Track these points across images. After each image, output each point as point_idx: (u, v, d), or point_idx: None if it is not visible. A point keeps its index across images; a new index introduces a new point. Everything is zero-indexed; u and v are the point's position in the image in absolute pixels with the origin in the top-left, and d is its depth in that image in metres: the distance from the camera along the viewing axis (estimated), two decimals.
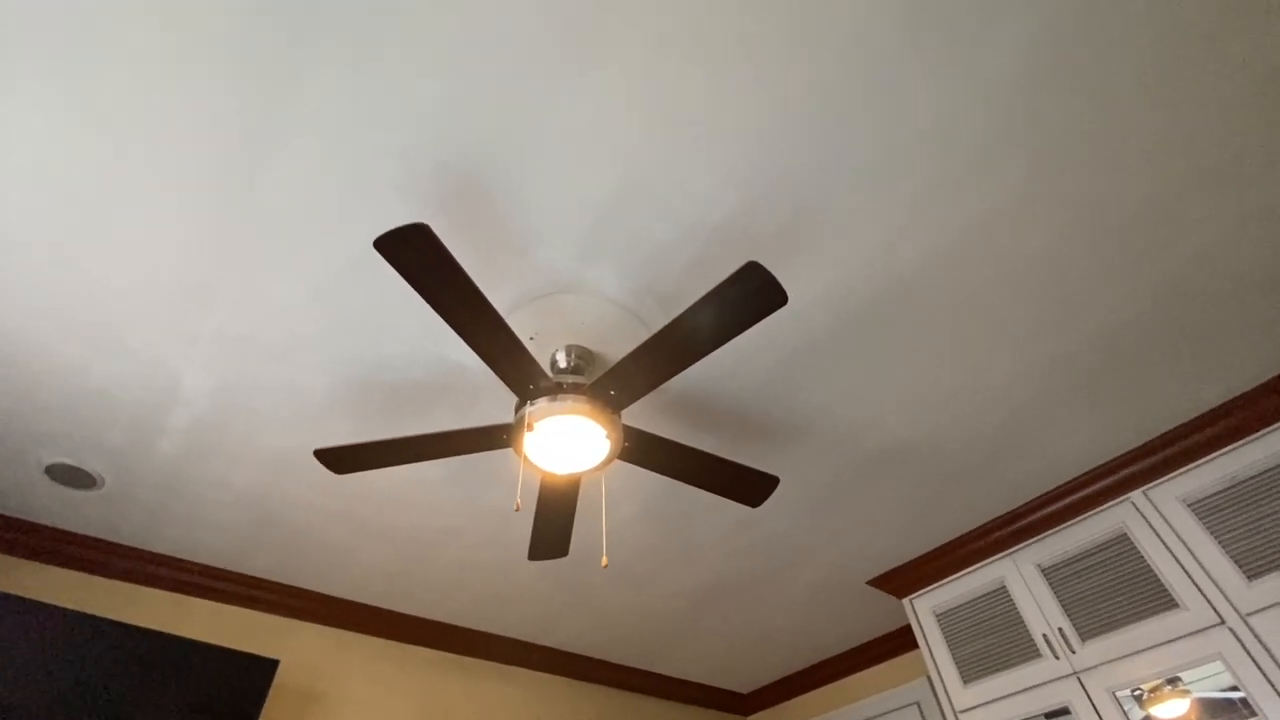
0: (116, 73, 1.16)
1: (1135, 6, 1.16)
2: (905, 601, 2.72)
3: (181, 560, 2.38)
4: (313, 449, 1.93)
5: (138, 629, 2.02)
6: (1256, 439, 2.00)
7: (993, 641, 2.38)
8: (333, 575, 2.51)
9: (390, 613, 2.75)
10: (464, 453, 1.57)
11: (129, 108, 1.20)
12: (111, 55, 1.14)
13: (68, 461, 1.93)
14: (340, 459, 1.57)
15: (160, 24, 1.10)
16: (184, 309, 1.55)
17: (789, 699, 3.58)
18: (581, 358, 1.64)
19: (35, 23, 1.10)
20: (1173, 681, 1.96)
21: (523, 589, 2.67)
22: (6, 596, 1.86)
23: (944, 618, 2.57)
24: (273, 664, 2.21)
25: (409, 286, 1.51)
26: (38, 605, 1.89)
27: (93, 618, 1.96)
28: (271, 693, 2.36)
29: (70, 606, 2.15)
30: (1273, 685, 1.74)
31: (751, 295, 1.26)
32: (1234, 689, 1.83)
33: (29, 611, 1.88)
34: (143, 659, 2.00)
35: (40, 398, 1.74)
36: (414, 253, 1.15)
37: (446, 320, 1.28)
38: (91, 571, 2.26)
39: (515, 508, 1.17)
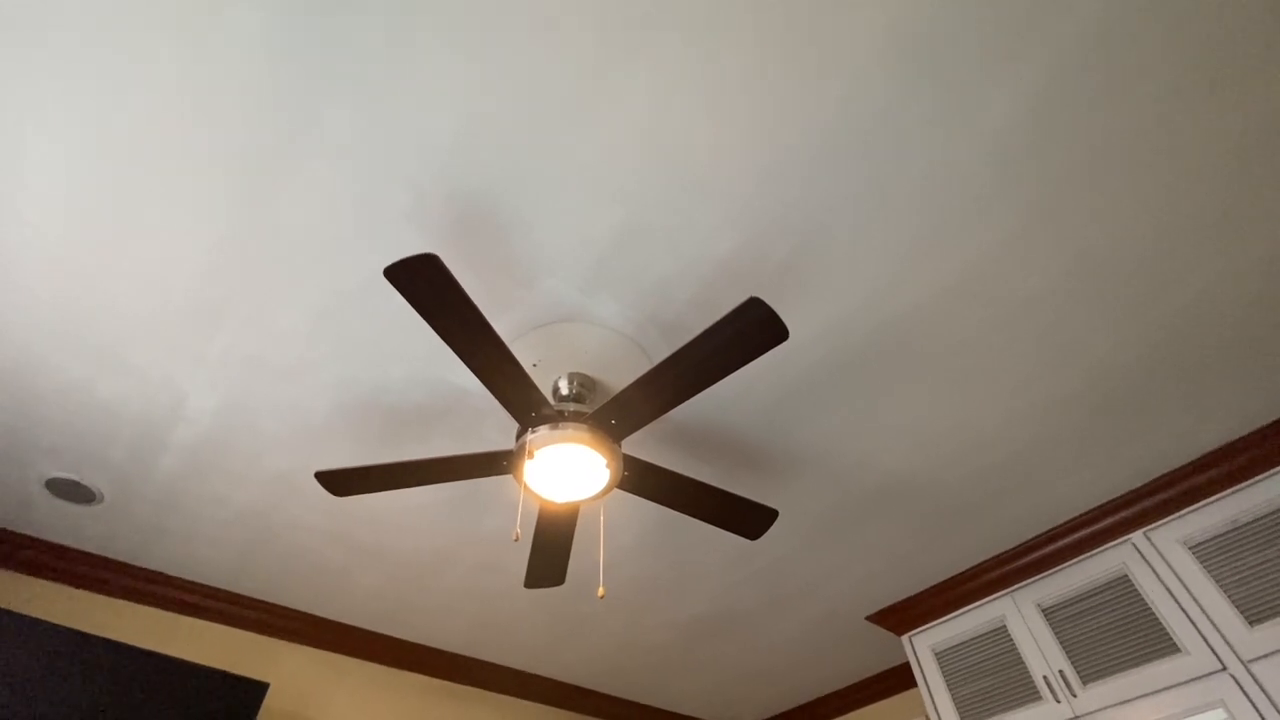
0: (136, 100, 1.20)
1: (1135, 58, 1.19)
2: (904, 639, 2.69)
3: (177, 578, 2.37)
4: (314, 470, 1.94)
5: (127, 647, 2.00)
6: (1259, 482, 1.99)
7: (993, 682, 2.35)
8: (327, 597, 2.49)
9: (383, 637, 2.72)
10: (464, 478, 1.57)
11: (146, 132, 1.24)
12: (133, 83, 1.17)
13: (69, 476, 1.93)
14: (341, 481, 1.58)
15: (181, 54, 1.14)
16: (192, 329, 1.57)
17: None
18: (584, 386, 1.65)
19: (61, 49, 1.13)
20: None
21: (517, 617, 2.65)
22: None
23: (943, 656, 2.53)
24: (262, 687, 2.18)
25: (414, 313, 1.53)
26: (28, 620, 1.88)
27: (83, 635, 1.94)
28: (259, 716, 2.33)
29: (63, 622, 2.13)
30: None
31: (753, 330, 1.27)
32: None
33: (19, 627, 1.86)
34: (132, 678, 1.98)
35: (44, 412, 1.75)
36: (423, 282, 1.17)
37: (452, 348, 1.30)
38: (87, 588, 2.25)
39: (514, 538, 1.17)
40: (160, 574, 2.34)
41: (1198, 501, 2.08)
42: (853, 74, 1.19)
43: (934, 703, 2.48)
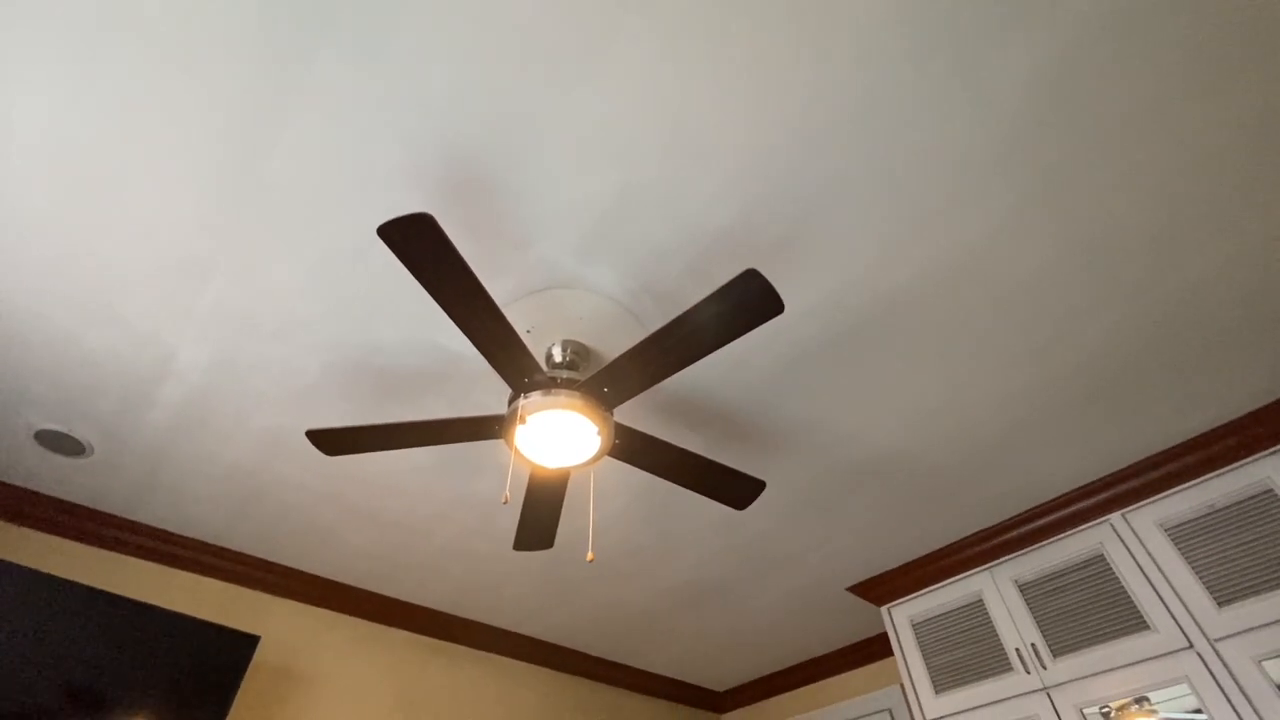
0: (123, 47, 1.16)
1: (1146, 37, 1.17)
2: (883, 610, 2.75)
3: (167, 532, 2.38)
4: (304, 429, 1.94)
5: (119, 598, 2.02)
6: (1237, 468, 2.03)
7: (966, 653, 2.42)
8: (317, 554, 2.52)
9: (373, 594, 2.76)
10: (456, 441, 1.58)
11: (135, 81, 1.20)
12: (120, 30, 1.14)
13: (57, 428, 1.93)
14: (332, 441, 1.58)
15: (171, 4, 1.11)
16: (181, 283, 1.55)
17: (763, 699, 3.62)
18: (577, 353, 1.65)
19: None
20: (1140, 701, 2.00)
21: (506, 578, 2.69)
22: None
23: (920, 627, 2.60)
24: (253, 640, 2.21)
25: (408, 274, 1.52)
26: (20, 570, 1.89)
27: (74, 584, 1.96)
28: (250, 669, 2.37)
29: (56, 573, 2.15)
30: (1235, 710, 1.78)
31: (749, 302, 1.27)
32: (1198, 711, 1.86)
33: (10, 576, 1.88)
34: (123, 628, 2.00)
35: (33, 362, 1.74)
36: (417, 241, 1.16)
37: (445, 310, 1.29)
38: (77, 539, 2.26)
39: (504, 500, 1.19)
40: (152, 527, 2.36)
41: (1177, 485, 2.12)
42: (858, 46, 1.17)
43: (909, 671, 2.56)
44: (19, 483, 2.17)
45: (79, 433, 1.95)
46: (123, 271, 1.52)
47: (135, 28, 1.14)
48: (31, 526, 2.20)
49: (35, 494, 2.20)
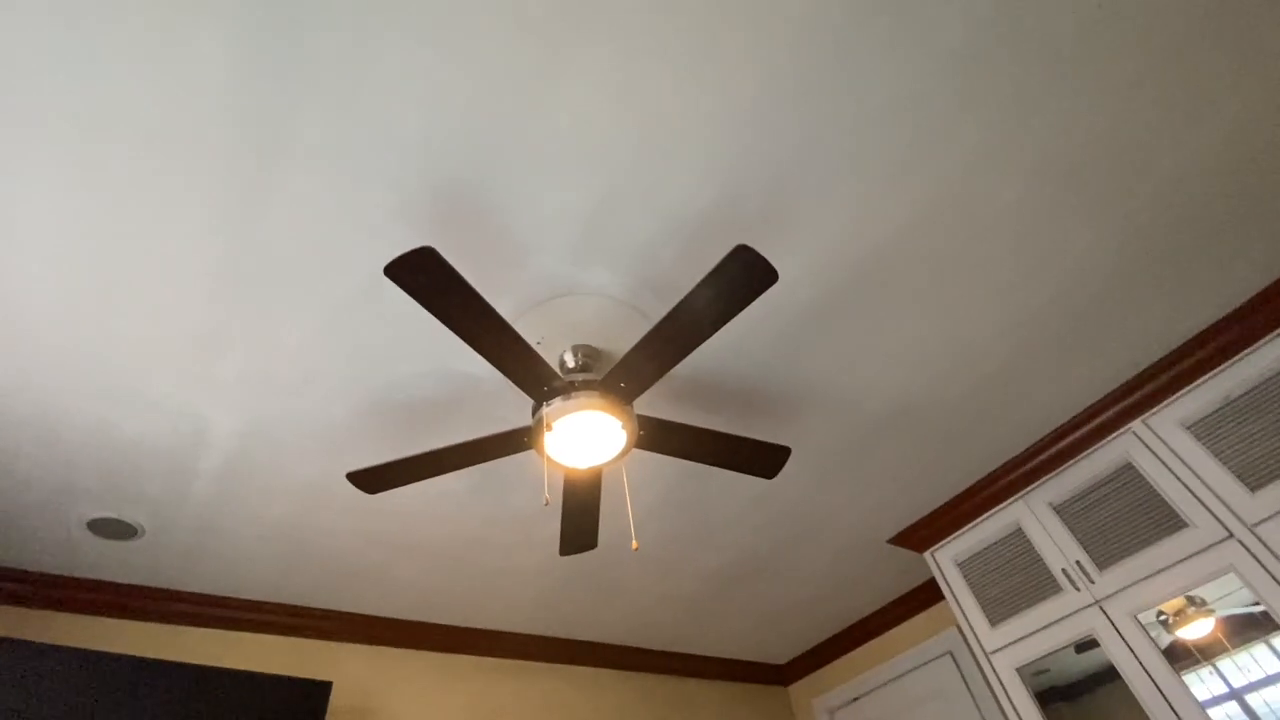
0: (116, 132, 1.22)
1: None
2: (926, 555, 2.79)
3: (224, 597, 2.45)
4: (339, 475, 2.00)
5: (188, 666, 2.09)
6: (1247, 355, 2.06)
7: (1015, 582, 2.46)
8: (372, 595, 2.59)
9: (432, 625, 2.83)
10: (489, 459, 1.64)
11: (127, 172, 1.27)
12: (110, 116, 1.20)
13: (107, 515, 2.00)
14: (372, 479, 1.64)
15: (154, 91, 1.17)
16: (201, 356, 1.62)
17: (827, 664, 3.66)
18: (589, 355, 1.70)
19: (34, 102, 1.16)
20: (1197, 604, 2.03)
21: (556, 589, 2.75)
22: (57, 649, 1.92)
23: (965, 565, 2.64)
24: (326, 686, 2.28)
25: (414, 309, 1.58)
26: (93, 655, 1.96)
27: (143, 660, 2.03)
28: (328, 715, 2.44)
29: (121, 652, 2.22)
30: None
31: (743, 276, 1.32)
32: (1256, 604, 1.89)
33: (85, 662, 1.94)
34: (197, 695, 2.07)
35: (75, 456, 1.81)
36: (423, 275, 1.22)
37: (459, 334, 1.34)
38: (140, 618, 2.34)
39: (545, 502, 1.24)
40: (209, 595, 2.43)
41: (1191, 382, 2.15)
42: (805, 16, 1.21)
43: (962, 610, 2.60)
44: (80, 573, 2.24)
45: (128, 516, 2.02)
46: (144, 355, 1.59)
47: (124, 122, 1.20)
48: (92, 613, 2.28)
49: (95, 581, 2.27)
